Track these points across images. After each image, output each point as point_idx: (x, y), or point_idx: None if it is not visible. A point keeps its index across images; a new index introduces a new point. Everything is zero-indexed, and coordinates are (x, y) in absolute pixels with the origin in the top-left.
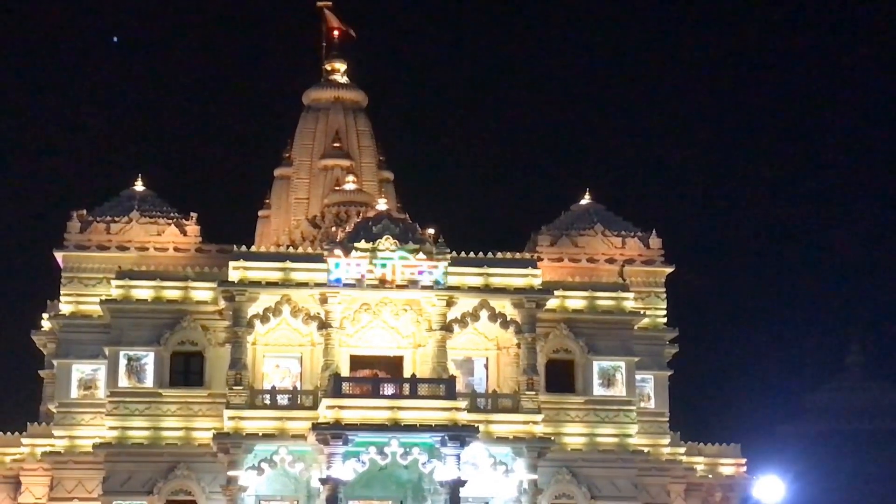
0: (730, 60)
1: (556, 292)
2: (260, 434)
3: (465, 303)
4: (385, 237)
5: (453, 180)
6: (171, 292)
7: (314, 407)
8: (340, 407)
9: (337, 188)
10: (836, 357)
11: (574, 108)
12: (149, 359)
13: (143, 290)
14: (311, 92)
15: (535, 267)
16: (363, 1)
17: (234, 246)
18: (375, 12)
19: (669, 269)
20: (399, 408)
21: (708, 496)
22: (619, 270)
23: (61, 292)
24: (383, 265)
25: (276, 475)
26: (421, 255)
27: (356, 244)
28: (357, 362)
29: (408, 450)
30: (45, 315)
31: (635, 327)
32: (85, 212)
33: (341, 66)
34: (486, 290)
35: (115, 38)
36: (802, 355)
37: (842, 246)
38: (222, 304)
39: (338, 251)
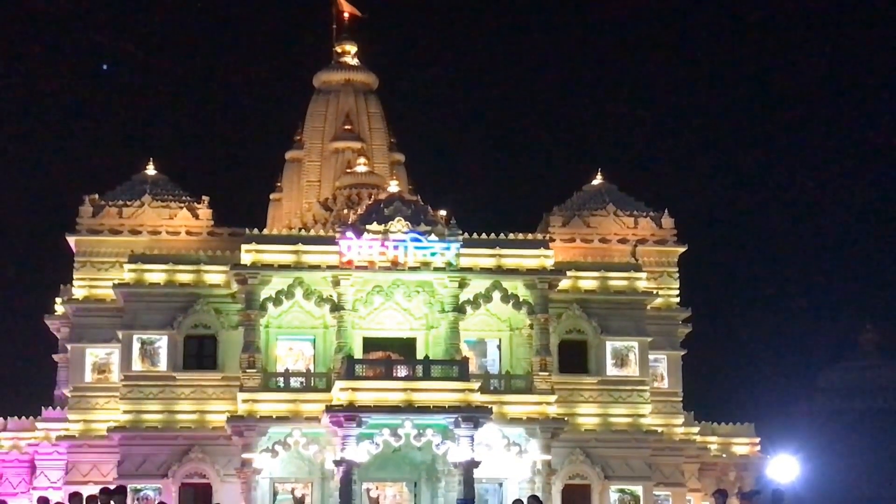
0: (743, 39)
1: (568, 273)
2: (274, 417)
3: (478, 284)
4: (397, 219)
5: (465, 161)
6: (184, 276)
7: (327, 389)
8: (354, 389)
9: (348, 170)
10: (851, 335)
11: (586, 89)
12: (162, 342)
13: (155, 274)
14: (321, 74)
15: (547, 248)
16: None
17: (247, 229)
18: None
19: (682, 249)
20: (412, 389)
21: (722, 475)
22: (631, 250)
23: (74, 276)
24: (395, 247)
25: (290, 457)
26: (433, 237)
27: (368, 226)
28: (370, 344)
29: (421, 431)
30: (58, 299)
31: (648, 307)
32: (97, 196)
33: (352, 48)
34: (499, 271)
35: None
36: (816, 334)
37: (856, 224)
38: (235, 287)
39: (350, 233)
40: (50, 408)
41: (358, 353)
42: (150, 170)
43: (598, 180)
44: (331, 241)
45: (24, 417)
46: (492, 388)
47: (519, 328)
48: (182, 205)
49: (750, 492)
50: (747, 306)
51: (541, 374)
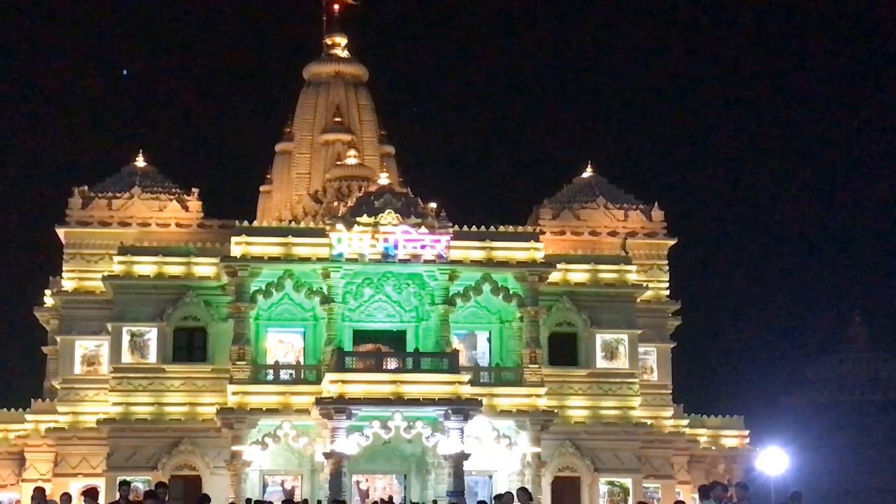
0: (734, 32)
1: (558, 265)
2: (263, 409)
3: (468, 276)
4: (387, 211)
5: (455, 154)
6: (174, 268)
7: (317, 381)
8: (344, 381)
9: (338, 163)
10: (839, 328)
11: (576, 82)
12: (152, 334)
13: (145, 266)
14: (311, 66)
15: (537, 240)
16: None
17: (237, 221)
18: None
19: (672, 242)
20: (402, 382)
21: (711, 468)
22: (621, 243)
23: (64, 268)
24: (385, 239)
25: (280, 449)
26: (423, 229)
27: (358, 218)
28: (360, 336)
29: (411, 423)
30: (47, 291)
31: (638, 300)
32: (87, 188)
33: (342, 41)
34: (489, 263)
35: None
36: (805, 326)
37: (845, 217)
38: (225, 279)
39: (340, 226)
40: (39, 400)
41: (348, 346)
42: (140, 162)
43: (588, 173)
44: (321, 233)
45: (13, 409)
46: (482, 380)
47: (509, 321)
48: (172, 197)
49: (738, 483)
50: (737, 299)
51: (531, 366)
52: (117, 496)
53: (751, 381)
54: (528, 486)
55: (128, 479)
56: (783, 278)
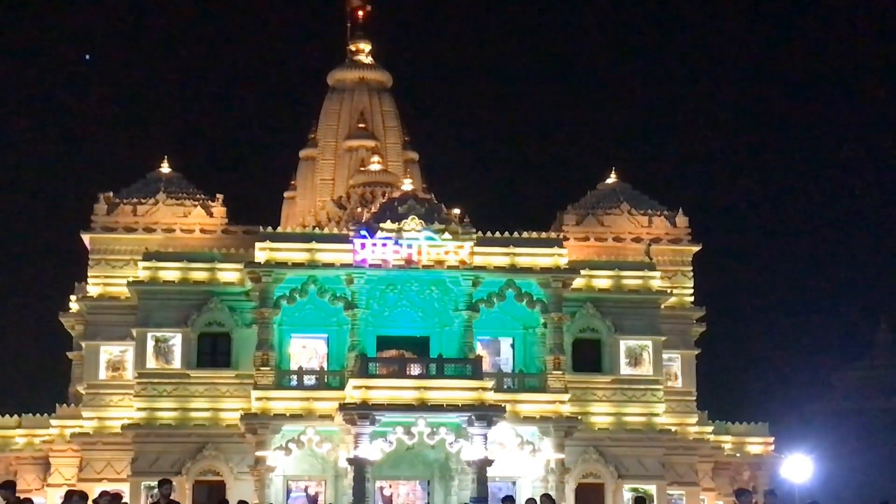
0: (756, 37)
1: (582, 271)
2: (287, 414)
3: (491, 282)
4: (411, 217)
5: (479, 160)
6: (198, 273)
7: (341, 387)
8: (367, 387)
9: (362, 169)
10: (865, 335)
11: (600, 87)
12: (176, 340)
13: (170, 272)
14: (335, 73)
15: (561, 246)
16: None
17: (261, 227)
18: None
19: (696, 248)
20: (426, 388)
21: (736, 475)
22: (645, 249)
23: (89, 274)
24: (409, 245)
25: (304, 455)
26: (447, 236)
27: (382, 225)
28: (383, 342)
29: (435, 429)
30: (72, 297)
31: (662, 306)
32: (112, 194)
33: (366, 47)
34: (513, 269)
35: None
36: (831, 333)
37: (871, 223)
38: (249, 285)
39: (364, 232)
40: (64, 405)
41: (371, 352)
42: (165, 168)
43: (612, 179)
44: (345, 239)
45: (38, 414)
46: (505, 386)
47: (533, 327)
48: (196, 203)
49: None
50: (761, 305)
51: (554, 372)
52: (158, 496)
53: (775, 387)
54: (552, 493)
55: (150, 483)
56: (808, 284)
